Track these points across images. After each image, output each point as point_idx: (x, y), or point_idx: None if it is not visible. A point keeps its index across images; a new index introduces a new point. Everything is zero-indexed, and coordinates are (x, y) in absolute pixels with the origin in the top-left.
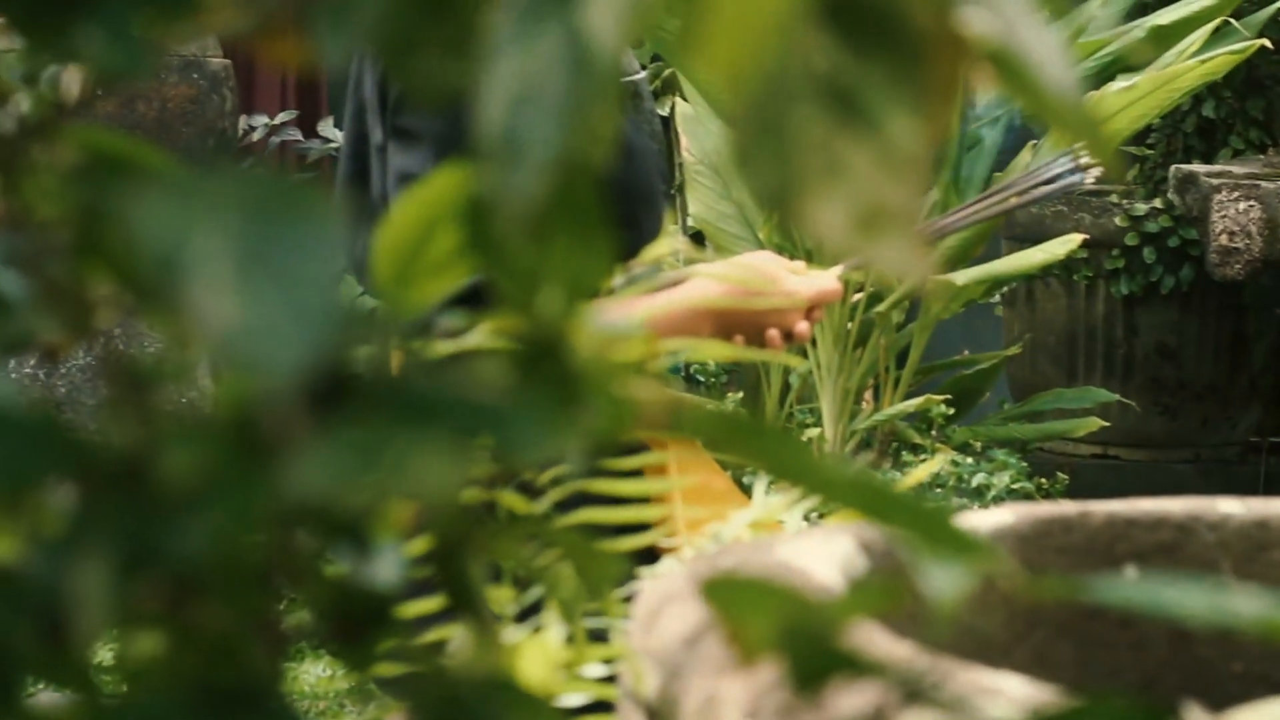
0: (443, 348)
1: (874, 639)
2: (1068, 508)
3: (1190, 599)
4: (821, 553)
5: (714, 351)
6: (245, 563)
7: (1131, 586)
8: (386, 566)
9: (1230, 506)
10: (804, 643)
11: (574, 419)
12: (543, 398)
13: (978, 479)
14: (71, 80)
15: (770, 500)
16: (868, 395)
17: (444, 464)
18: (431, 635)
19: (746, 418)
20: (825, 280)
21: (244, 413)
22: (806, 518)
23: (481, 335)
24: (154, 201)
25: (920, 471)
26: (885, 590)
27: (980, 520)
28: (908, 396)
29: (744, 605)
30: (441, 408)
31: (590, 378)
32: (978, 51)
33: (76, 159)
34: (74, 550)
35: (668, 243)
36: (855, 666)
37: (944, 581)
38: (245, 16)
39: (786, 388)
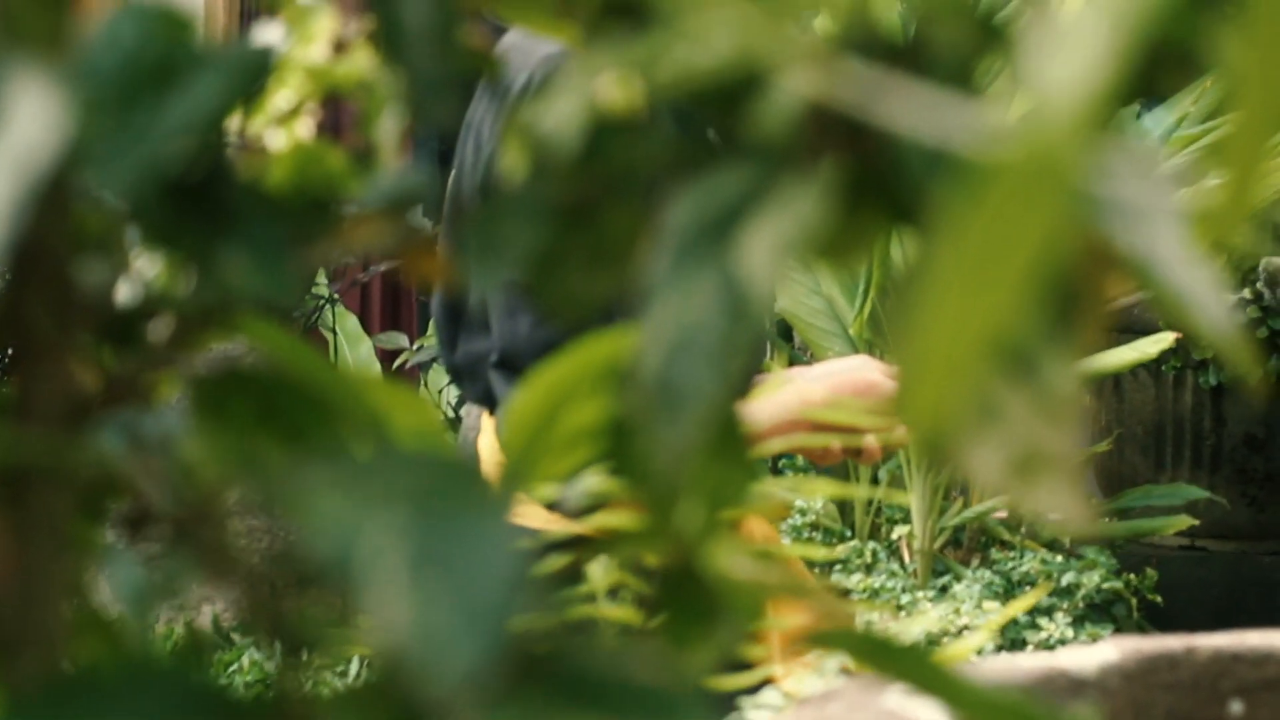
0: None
1: None
2: (1172, 642)
3: None
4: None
5: (823, 490)
6: None
7: None
8: None
9: None
10: None
11: (714, 645)
12: (693, 667)
13: (1067, 578)
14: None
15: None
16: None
17: None
18: None
19: (886, 636)
20: None
21: (404, 682)
22: None
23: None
24: (324, 492)
25: (1028, 600)
26: None
27: (1086, 657)
28: (997, 493)
29: None
30: (599, 687)
31: (730, 598)
32: (1123, 267)
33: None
34: None
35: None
36: None
37: None
38: (388, 238)
39: (875, 483)
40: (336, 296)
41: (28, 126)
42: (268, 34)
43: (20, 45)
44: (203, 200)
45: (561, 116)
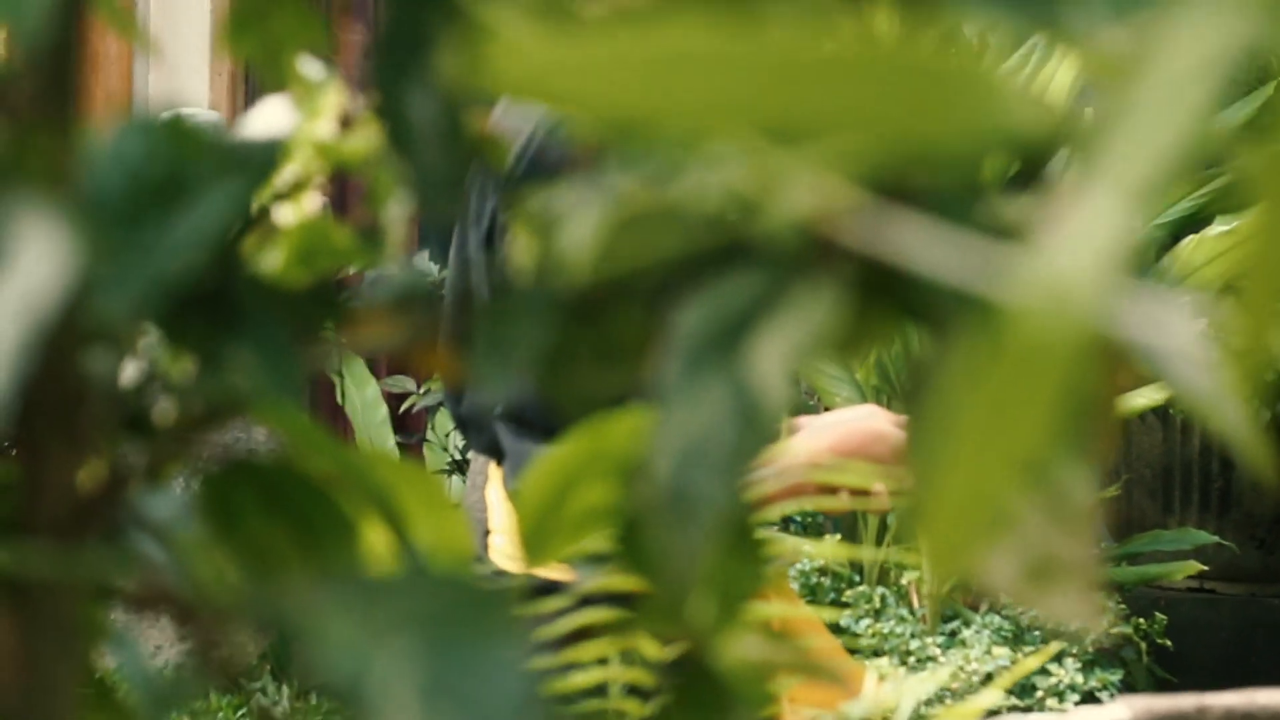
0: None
1: None
2: (1184, 702)
3: None
4: None
5: (833, 552)
6: None
7: None
8: None
9: None
10: None
11: None
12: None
13: (1076, 623)
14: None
15: (881, 690)
16: None
17: None
18: None
19: None
20: None
21: None
22: (917, 710)
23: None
24: (335, 616)
25: (1039, 657)
26: None
27: (1098, 718)
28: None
29: None
30: None
31: (741, 689)
32: (1134, 365)
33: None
34: None
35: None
36: None
37: None
38: (395, 334)
39: (884, 529)
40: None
41: (33, 269)
42: (273, 112)
43: (23, 182)
44: (210, 297)
45: (573, 231)
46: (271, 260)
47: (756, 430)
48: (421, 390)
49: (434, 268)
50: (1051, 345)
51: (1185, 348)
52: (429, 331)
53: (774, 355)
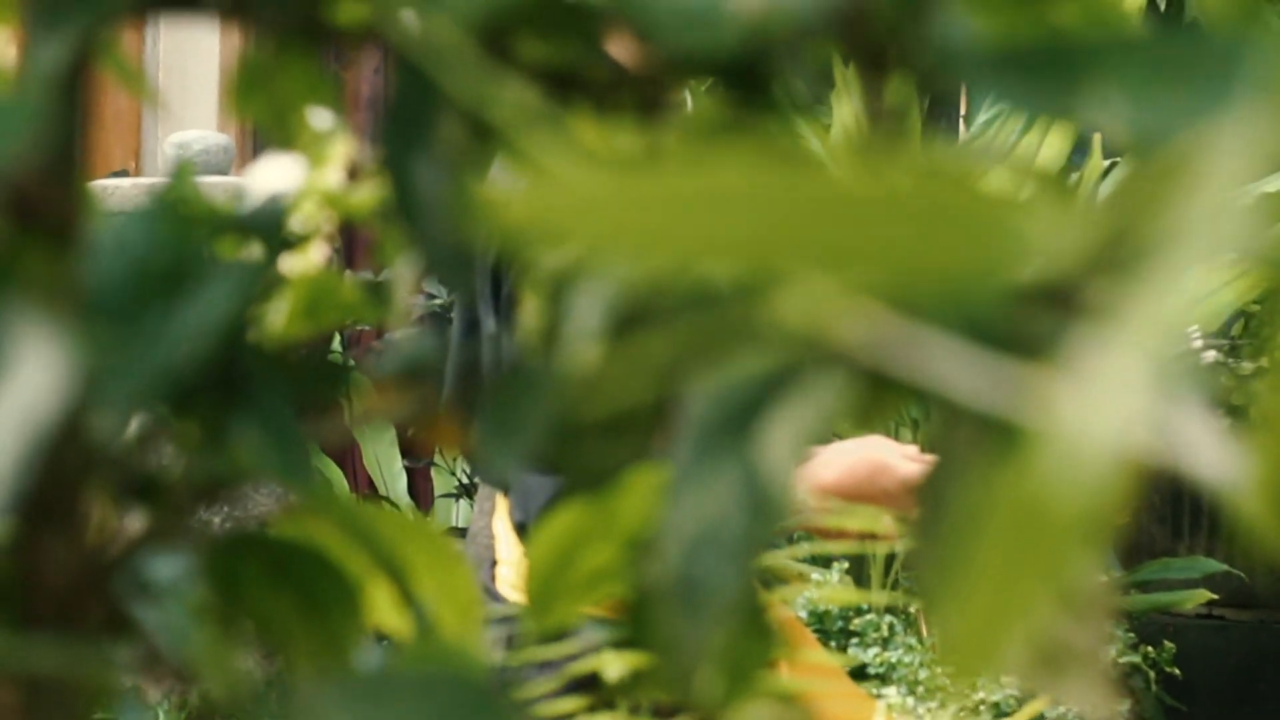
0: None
1: None
2: None
3: None
4: None
5: (843, 597)
6: None
7: None
8: None
9: None
10: None
11: None
12: None
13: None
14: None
15: None
16: None
17: None
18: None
19: None
20: None
21: None
22: None
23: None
24: (335, 716)
25: (1043, 700)
26: None
27: None
28: None
29: None
30: None
31: None
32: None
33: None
34: None
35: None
36: None
37: None
38: (401, 409)
39: (892, 557)
40: (353, 363)
41: (33, 379)
42: (280, 167)
43: (24, 280)
44: (215, 373)
45: (580, 317)
46: (276, 313)
47: (767, 517)
48: None
49: (444, 292)
50: (1082, 480)
51: (1210, 450)
52: (434, 404)
53: (785, 440)
